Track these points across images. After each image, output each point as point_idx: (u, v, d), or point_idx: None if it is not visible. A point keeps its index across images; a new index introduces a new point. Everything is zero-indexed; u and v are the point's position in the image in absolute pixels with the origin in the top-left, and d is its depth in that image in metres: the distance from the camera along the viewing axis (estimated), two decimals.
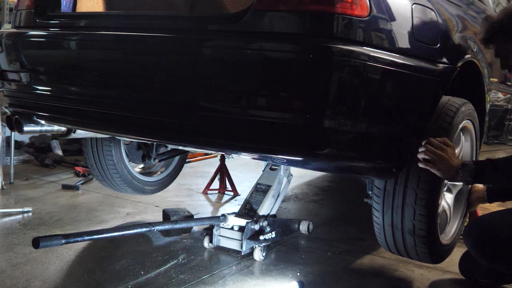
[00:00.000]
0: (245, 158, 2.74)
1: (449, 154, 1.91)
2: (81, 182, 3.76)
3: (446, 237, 2.30)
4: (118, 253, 2.42)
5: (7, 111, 2.40)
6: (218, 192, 3.77)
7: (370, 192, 2.18)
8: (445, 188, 2.29)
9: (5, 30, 2.43)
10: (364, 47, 1.62)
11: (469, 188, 2.40)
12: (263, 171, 2.72)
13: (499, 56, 2.10)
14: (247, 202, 2.60)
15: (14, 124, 2.30)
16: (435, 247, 2.13)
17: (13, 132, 3.75)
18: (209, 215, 3.20)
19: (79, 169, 4.14)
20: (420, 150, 1.92)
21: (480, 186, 2.37)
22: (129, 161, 3.02)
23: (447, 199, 2.33)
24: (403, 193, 2.02)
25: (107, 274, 2.17)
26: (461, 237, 2.23)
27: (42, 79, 2.23)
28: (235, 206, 3.38)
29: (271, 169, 2.67)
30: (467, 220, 2.61)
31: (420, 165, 1.93)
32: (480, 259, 2.03)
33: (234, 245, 2.46)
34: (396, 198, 2.04)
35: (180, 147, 2.87)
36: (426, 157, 1.91)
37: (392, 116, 1.81)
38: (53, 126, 2.36)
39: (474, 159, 2.42)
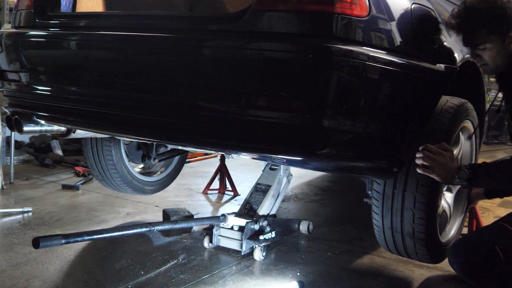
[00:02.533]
0: (245, 158, 2.74)
1: (447, 158, 1.90)
2: (81, 182, 3.76)
3: (446, 236, 2.30)
4: (118, 253, 2.42)
5: (7, 111, 2.40)
6: (218, 192, 3.77)
7: (369, 192, 2.18)
8: (445, 188, 2.28)
9: (5, 30, 2.43)
10: (364, 47, 1.62)
11: None
12: (263, 171, 2.71)
13: (468, 45, 2.02)
14: (247, 202, 2.60)
15: (14, 124, 2.30)
16: (435, 248, 2.13)
17: (13, 132, 3.74)
18: (209, 215, 3.19)
19: (79, 169, 4.14)
20: (417, 155, 1.92)
21: None
22: (129, 161, 3.03)
23: (447, 198, 2.33)
24: (402, 197, 2.02)
25: (107, 274, 2.17)
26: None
27: (42, 79, 2.23)
28: (235, 206, 3.38)
29: (271, 169, 2.67)
30: (467, 220, 2.61)
31: (419, 170, 1.93)
32: (469, 282, 1.97)
33: (234, 245, 2.45)
34: (395, 202, 2.04)
35: (180, 147, 2.87)
36: (424, 162, 1.90)
37: (391, 115, 1.81)
38: (53, 126, 2.37)
39: (474, 158, 2.42)
